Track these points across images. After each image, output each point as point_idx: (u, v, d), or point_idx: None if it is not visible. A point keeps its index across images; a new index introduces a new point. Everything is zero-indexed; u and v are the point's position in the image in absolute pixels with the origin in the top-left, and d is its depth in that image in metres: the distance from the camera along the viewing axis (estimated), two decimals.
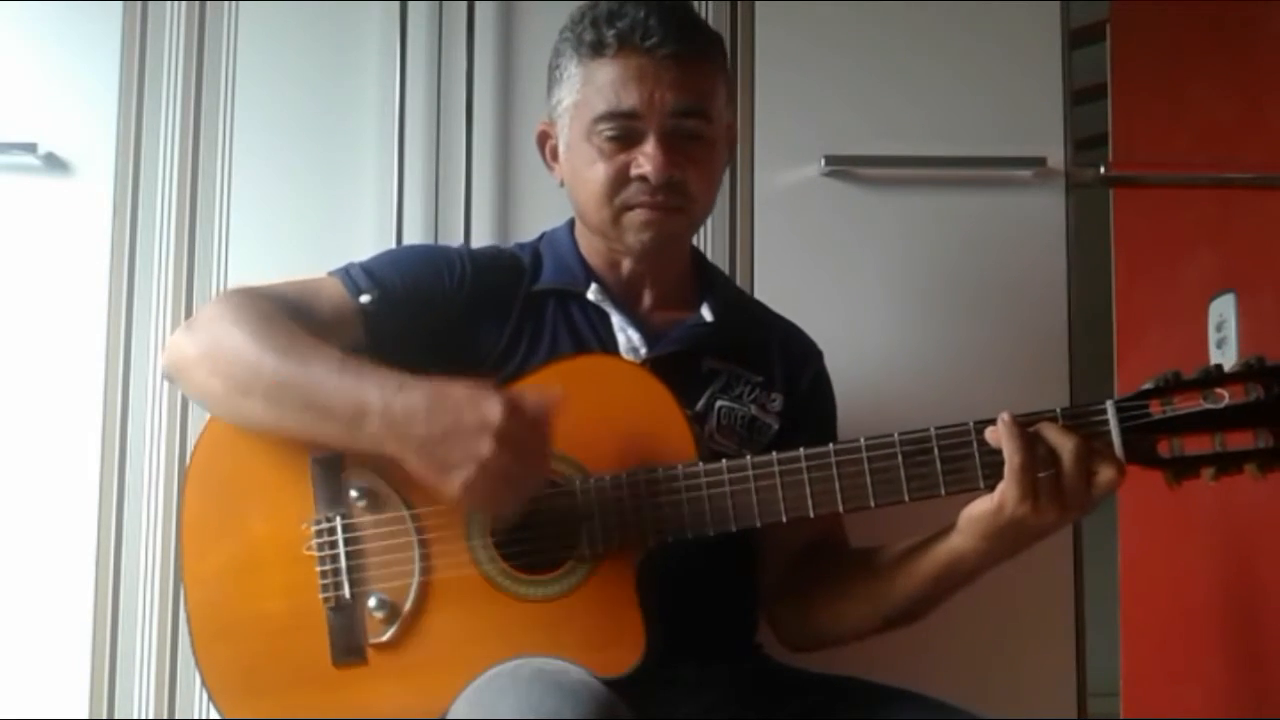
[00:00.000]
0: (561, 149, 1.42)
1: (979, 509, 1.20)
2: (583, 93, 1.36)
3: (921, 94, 1.81)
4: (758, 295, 1.71)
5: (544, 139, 1.46)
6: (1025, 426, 1.17)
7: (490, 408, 1.15)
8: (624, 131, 1.34)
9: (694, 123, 1.36)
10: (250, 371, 1.22)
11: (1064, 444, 1.16)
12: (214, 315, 1.28)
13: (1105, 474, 1.17)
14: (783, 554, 1.40)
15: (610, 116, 1.34)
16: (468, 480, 1.15)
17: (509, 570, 1.25)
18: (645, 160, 1.34)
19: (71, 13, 1.77)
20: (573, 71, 1.37)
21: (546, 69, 1.44)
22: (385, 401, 1.17)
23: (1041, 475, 1.16)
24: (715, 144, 1.40)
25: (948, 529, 1.24)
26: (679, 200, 1.37)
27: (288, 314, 1.28)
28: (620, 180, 1.35)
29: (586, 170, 1.37)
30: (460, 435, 1.15)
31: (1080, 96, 2.00)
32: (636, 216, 1.36)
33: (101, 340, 1.73)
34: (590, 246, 1.45)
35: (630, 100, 1.33)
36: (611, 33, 1.34)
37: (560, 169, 1.44)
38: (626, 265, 1.43)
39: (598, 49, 1.35)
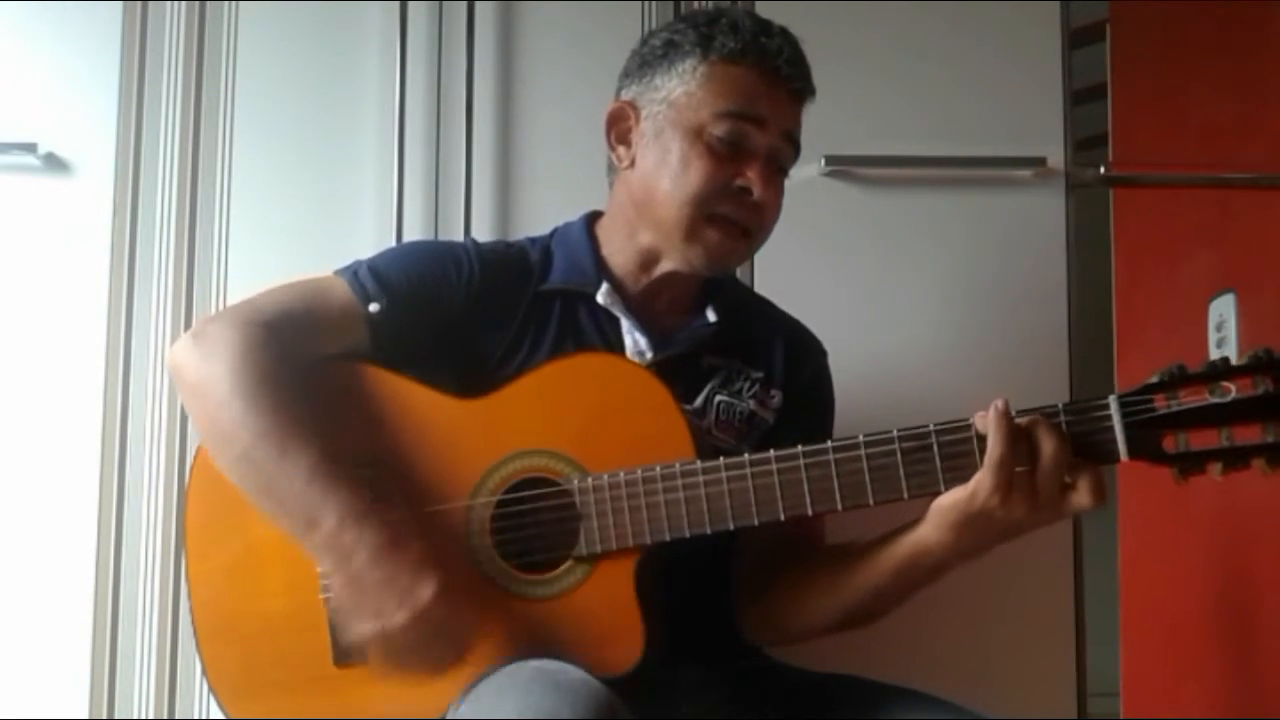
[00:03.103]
0: (648, 133, 1.38)
1: (951, 497, 1.19)
2: (704, 88, 1.35)
3: (921, 94, 1.81)
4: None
5: (620, 118, 1.42)
6: (1013, 419, 1.16)
7: (425, 587, 1.16)
8: (739, 137, 1.34)
9: (790, 154, 1.39)
10: (227, 434, 1.23)
11: (1046, 445, 1.15)
12: (220, 344, 1.25)
13: (1081, 496, 1.16)
14: (754, 548, 1.38)
15: (736, 117, 1.34)
16: (373, 635, 1.17)
17: (509, 570, 1.25)
18: (753, 174, 1.34)
19: (71, 13, 1.77)
20: (693, 66, 1.36)
21: (637, 52, 1.42)
22: (338, 525, 1.18)
23: (1019, 470, 1.16)
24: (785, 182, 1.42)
25: (916, 521, 1.23)
26: (757, 225, 1.38)
27: (293, 351, 1.27)
28: (721, 186, 1.34)
29: (684, 163, 1.34)
30: (385, 596, 1.16)
31: (1080, 96, 2.00)
32: (714, 236, 1.35)
33: (101, 340, 1.73)
34: (618, 245, 1.42)
35: (761, 108, 1.34)
36: (755, 46, 1.35)
37: (630, 153, 1.40)
38: (656, 272, 1.41)
39: (736, 56, 1.35)
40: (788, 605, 1.35)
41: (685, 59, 1.37)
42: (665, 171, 1.35)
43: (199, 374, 1.26)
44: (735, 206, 1.35)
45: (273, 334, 1.27)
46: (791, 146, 1.39)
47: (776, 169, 1.38)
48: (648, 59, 1.41)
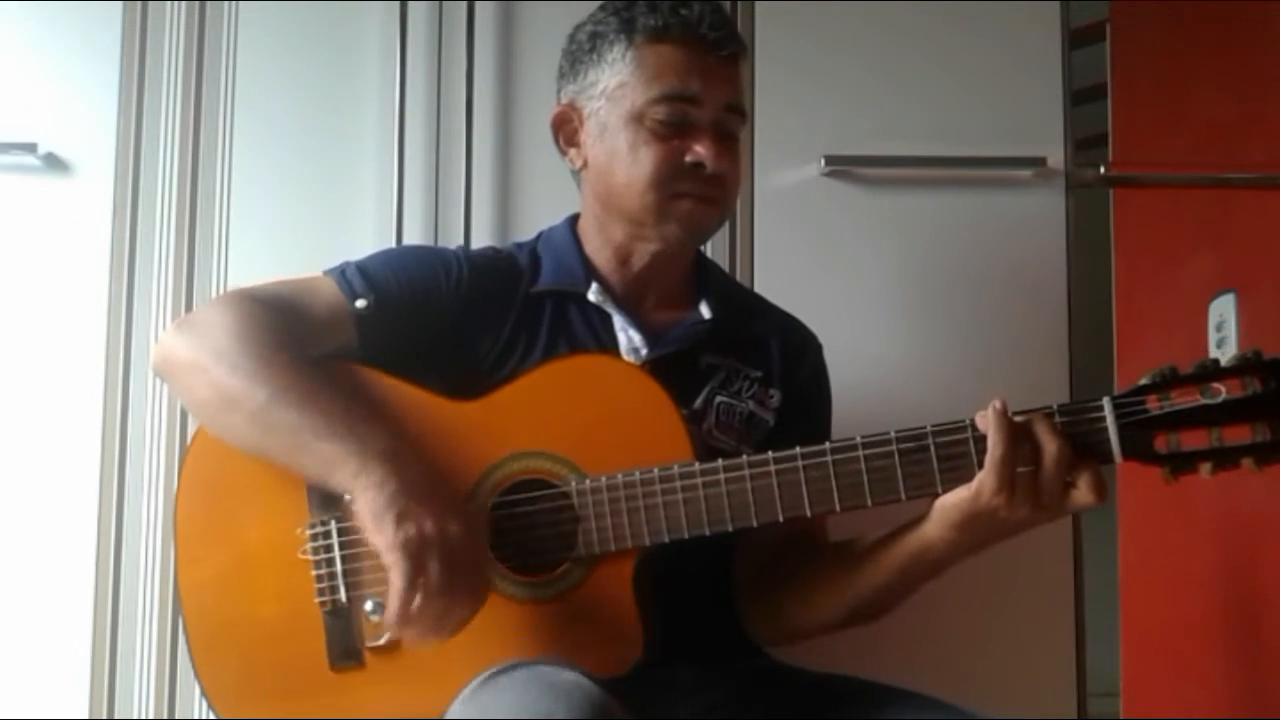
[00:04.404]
0: (593, 131, 1.39)
1: (955, 496, 1.19)
2: (636, 74, 1.35)
3: (921, 94, 1.81)
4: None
5: (564, 121, 1.42)
6: (1012, 418, 1.17)
7: (453, 528, 1.16)
8: (679, 117, 1.34)
9: (736, 121, 1.38)
10: (243, 392, 1.22)
11: (1048, 446, 1.16)
12: (214, 321, 1.26)
13: (1083, 494, 1.16)
14: (758, 549, 1.38)
15: (672, 99, 1.34)
16: (401, 563, 1.15)
17: (506, 572, 1.25)
18: (702, 149, 1.34)
19: (71, 13, 1.77)
20: (620, 53, 1.36)
21: (567, 51, 1.43)
22: (360, 467, 1.18)
23: (1021, 470, 1.16)
24: (740, 147, 1.42)
25: (920, 519, 1.24)
26: (720, 194, 1.37)
27: (287, 327, 1.27)
28: (675, 166, 1.34)
29: (633, 152, 1.35)
30: (410, 530, 1.15)
31: (1080, 96, 2.00)
32: (685, 206, 1.36)
33: (101, 340, 1.73)
34: (596, 244, 1.43)
35: (695, 86, 1.34)
36: (676, 20, 1.35)
37: (581, 154, 1.41)
38: (637, 262, 1.41)
39: (659, 33, 1.35)
40: (794, 604, 1.35)
41: (612, 48, 1.37)
42: (618, 164, 1.36)
43: (195, 350, 1.25)
44: (694, 182, 1.35)
45: (268, 308, 1.28)
46: (736, 114, 1.38)
47: (725, 137, 1.37)
48: (577, 56, 1.41)
